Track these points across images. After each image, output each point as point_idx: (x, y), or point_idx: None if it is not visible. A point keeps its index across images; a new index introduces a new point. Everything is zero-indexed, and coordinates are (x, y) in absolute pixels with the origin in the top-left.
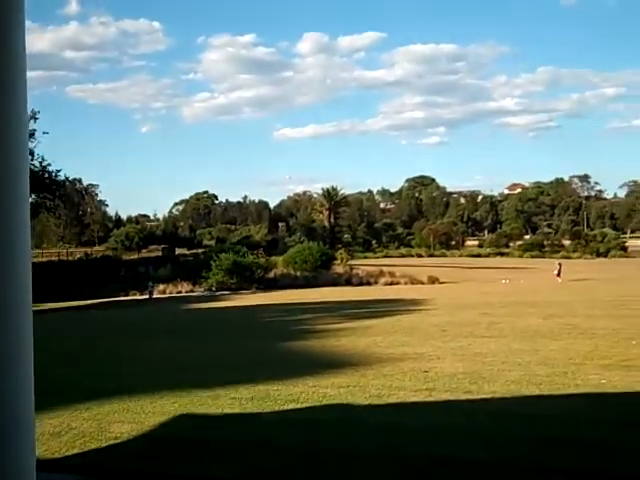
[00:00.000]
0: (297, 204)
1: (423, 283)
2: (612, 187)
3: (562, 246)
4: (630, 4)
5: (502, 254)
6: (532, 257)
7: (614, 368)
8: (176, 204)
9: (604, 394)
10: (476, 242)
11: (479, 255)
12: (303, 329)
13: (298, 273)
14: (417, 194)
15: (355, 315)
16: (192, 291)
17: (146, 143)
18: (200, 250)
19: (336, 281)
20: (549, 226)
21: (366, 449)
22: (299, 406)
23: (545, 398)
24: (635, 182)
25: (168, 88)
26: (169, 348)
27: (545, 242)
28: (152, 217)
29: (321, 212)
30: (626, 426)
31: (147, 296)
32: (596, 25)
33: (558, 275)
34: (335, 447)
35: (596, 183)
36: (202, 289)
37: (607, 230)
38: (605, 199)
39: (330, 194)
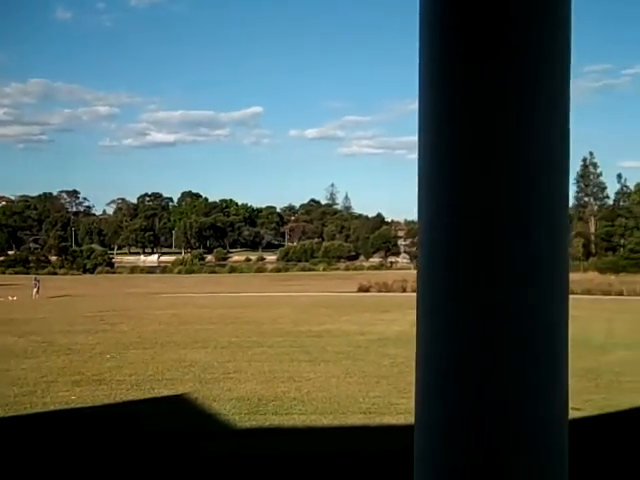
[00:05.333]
0: None
1: None
2: (101, 204)
3: (49, 262)
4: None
5: None
6: (16, 273)
7: (86, 383)
8: None
9: (72, 410)
10: None
11: None
12: None
13: None
14: None
15: None
16: None
17: None
18: None
19: None
20: (35, 241)
21: None
22: None
23: (8, 420)
24: (123, 199)
25: None
26: None
27: (30, 258)
28: None
29: None
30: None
31: None
32: (89, 43)
33: (37, 292)
34: None
35: (85, 199)
36: None
37: (95, 246)
38: (94, 215)
39: None
